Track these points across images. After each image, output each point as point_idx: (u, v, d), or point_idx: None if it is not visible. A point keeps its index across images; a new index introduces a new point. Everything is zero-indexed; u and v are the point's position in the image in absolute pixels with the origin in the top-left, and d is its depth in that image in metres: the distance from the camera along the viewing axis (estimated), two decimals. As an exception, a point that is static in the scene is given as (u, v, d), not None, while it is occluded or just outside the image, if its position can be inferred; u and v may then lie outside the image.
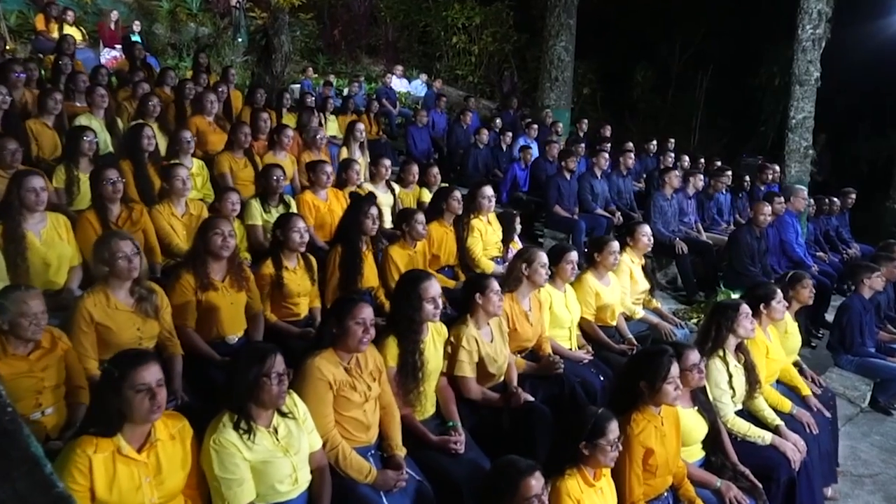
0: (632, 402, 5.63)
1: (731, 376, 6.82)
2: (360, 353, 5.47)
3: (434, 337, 6.28)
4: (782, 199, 12.82)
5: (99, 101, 10.74)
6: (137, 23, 20.05)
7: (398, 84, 23.02)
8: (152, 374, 4.27)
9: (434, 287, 6.03)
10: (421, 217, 8.54)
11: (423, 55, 29.13)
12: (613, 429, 4.98)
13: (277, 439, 4.69)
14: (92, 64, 15.35)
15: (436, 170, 11.65)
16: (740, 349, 7.01)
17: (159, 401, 4.25)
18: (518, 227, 10.23)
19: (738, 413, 6.92)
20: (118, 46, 18.73)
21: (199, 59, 16.63)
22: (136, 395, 4.18)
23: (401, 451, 5.63)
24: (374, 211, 8.04)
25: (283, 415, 4.81)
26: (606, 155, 14.34)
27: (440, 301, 6.10)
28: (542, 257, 7.35)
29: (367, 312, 5.36)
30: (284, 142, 10.91)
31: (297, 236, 7.30)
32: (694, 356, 6.08)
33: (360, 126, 12.77)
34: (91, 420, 4.33)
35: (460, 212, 9.38)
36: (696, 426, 6.19)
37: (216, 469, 4.46)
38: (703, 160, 17.47)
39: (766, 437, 6.69)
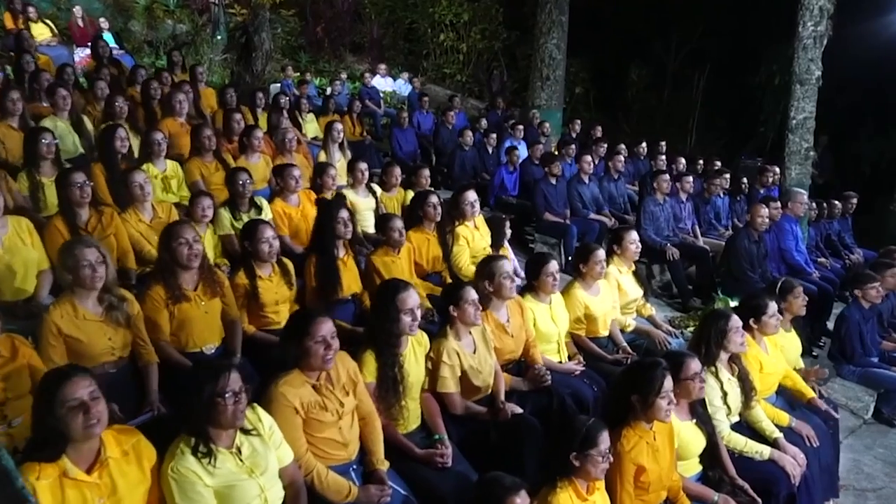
0: (623, 416, 5.61)
1: (725, 393, 6.79)
2: (327, 370, 5.40)
3: (414, 348, 6.25)
4: (778, 203, 12.78)
5: (61, 102, 10.61)
6: (103, 20, 19.99)
7: (383, 83, 22.88)
8: (82, 387, 4.17)
9: (412, 298, 5.97)
10: (397, 224, 8.45)
11: (409, 53, 29.05)
12: (605, 439, 4.95)
13: (241, 460, 4.60)
14: (66, 62, 15.29)
15: (426, 172, 11.52)
16: (733, 360, 6.97)
17: (94, 414, 4.15)
18: (508, 232, 10.11)
19: (737, 425, 6.91)
20: (91, 45, 18.70)
21: (172, 57, 16.54)
22: (68, 413, 4.09)
23: (383, 466, 5.60)
24: (344, 214, 7.96)
25: (246, 432, 4.72)
26: (589, 158, 14.33)
27: (419, 312, 6.04)
28: (503, 269, 7.16)
29: (326, 328, 5.26)
30: (255, 144, 10.81)
31: (265, 247, 7.23)
32: (695, 365, 6.07)
33: (338, 126, 12.69)
34: (33, 445, 4.24)
35: (439, 218, 9.26)
36: (693, 439, 6.18)
37: (177, 499, 4.38)
38: (701, 162, 17.47)
39: (764, 452, 6.66)
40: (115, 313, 5.95)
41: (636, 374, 5.68)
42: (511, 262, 7.48)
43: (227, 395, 4.44)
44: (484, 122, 18.69)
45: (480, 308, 6.57)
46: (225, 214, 8.87)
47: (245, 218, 8.69)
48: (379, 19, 28.33)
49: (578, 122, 19.49)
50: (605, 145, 16.52)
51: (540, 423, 6.46)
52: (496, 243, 9.86)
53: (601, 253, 8.37)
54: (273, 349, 6.88)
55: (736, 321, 6.92)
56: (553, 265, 7.72)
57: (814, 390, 8.24)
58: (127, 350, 6.09)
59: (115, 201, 8.57)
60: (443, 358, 6.34)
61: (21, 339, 5.48)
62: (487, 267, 7.22)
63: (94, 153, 10.06)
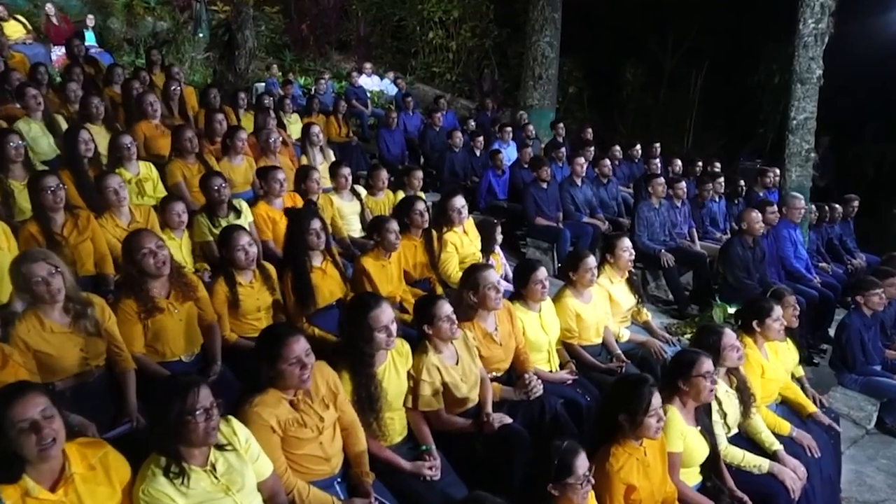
0: (611, 434, 5.55)
1: (724, 413, 6.77)
2: (304, 388, 5.33)
3: (395, 359, 6.20)
4: (775, 207, 12.74)
5: (32, 103, 10.54)
6: (90, 17, 19.99)
7: (370, 83, 22.85)
8: (33, 406, 4.05)
9: (385, 314, 5.89)
10: (394, 226, 8.36)
11: (397, 51, 28.97)
12: (581, 463, 4.80)
13: (216, 478, 4.52)
14: (43, 61, 15.27)
15: (419, 173, 11.56)
16: (731, 371, 6.95)
17: (46, 434, 4.03)
18: (499, 237, 10.08)
19: (735, 436, 6.91)
20: (66, 43, 18.67)
21: (151, 56, 16.51)
22: (20, 435, 3.99)
23: (368, 478, 5.57)
24: (315, 225, 7.82)
25: (220, 448, 4.64)
26: (583, 160, 14.31)
27: (394, 328, 5.96)
28: (488, 279, 7.05)
29: (298, 348, 5.18)
30: (238, 145, 10.75)
31: (241, 255, 7.17)
32: (708, 363, 6.07)
33: (316, 129, 12.63)
34: None
35: (426, 225, 9.21)
36: (698, 446, 6.18)
37: None
38: (700, 164, 17.46)
39: (762, 465, 6.65)
40: (83, 322, 5.86)
41: (623, 392, 5.61)
42: (496, 272, 7.35)
43: (197, 413, 4.35)
44: (472, 124, 18.65)
45: (456, 322, 6.44)
46: (202, 221, 8.80)
47: (224, 223, 8.59)
48: (366, 16, 28.22)
49: (562, 125, 19.20)
50: (592, 148, 16.31)
51: (531, 434, 6.41)
52: (486, 248, 9.81)
53: (591, 260, 8.28)
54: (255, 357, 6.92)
55: (729, 337, 6.87)
56: (542, 272, 7.66)
57: (815, 399, 8.24)
58: (102, 359, 6.02)
59: (88, 206, 8.43)
60: (422, 376, 6.27)
61: (9, 349, 5.44)
62: (472, 277, 7.13)
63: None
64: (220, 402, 4.59)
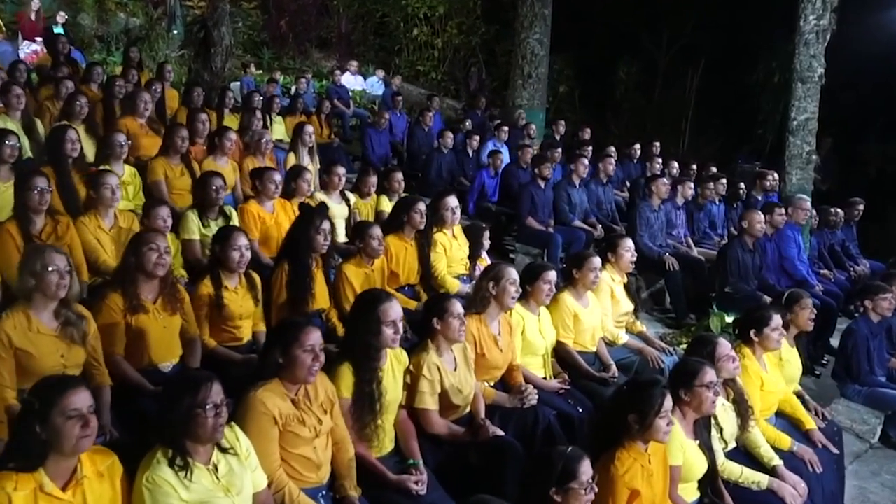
0: (617, 437, 5.57)
1: (721, 428, 6.74)
2: (309, 384, 5.42)
3: (393, 364, 6.25)
4: (783, 209, 12.67)
5: (14, 101, 10.57)
6: (62, 14, 19.98)
7: (352, 82, 22.91)
8: (83, 399, 4.21)
9: (395, 309, 5.98)
10: (377, 232, 8.40)
11: (379, 49, 28.93)
12: (586, 470, 4.80)
13: (217, 477, 4.62)
14: (11, 58, 15.27)
15: (400, 175, 11.46)
16: (727, 382, 6.94)
17: (92, 428, 4.18)
18: (487, 242, 10.12)
19: (734, 451, 6.93)
20: (39, 39, 18.63)
21: (129, 53, 16.51)
22: (66, 422, 4.11)
23: (355, 492, 5.62)
24: (326, 225, 7.94)
25: (223, 450, 4.74)
26: (586, 161, 14.26)
27: (401, 325, 6.06)
28: (511, 274, 7.27)
29: (315, 337, 5.31)
30: (226, 146, 10.77)
31: (236, 255, 7.18)
32: (712, 374, 6.11)
33: (309, 129, 12.65)
34: (9, 454, 4.23)
35: (423, 226, 9.20)
36: (696, 461, 6.19)
37: None
38: (695, 166, 17.44)
39: (761, 482, 6.65)
40: (70, 329, 5.88)
41: (633, 393, 5.66)
42: (516, 271, 7.51)
43: (207, 407, 4.48)
44: (468, 123, 18.62)
45: (465, 324, 6.57)
46: (193, 218, 8.85)
47: (213, 226, 8.68)
48: (347, 13, 28.19)
49: (562, 122, 19.36)
50: (590, 148, 16.32)
51: (522, 446, 6.45)
52: (474, 253, 9.89)
53: (597, 260, 8.43)
54: (233, 367, 6.97)
55: (724, 347, 6.88)
56: (552, 273, 7.82)
57: (817, 412, 8.27)
58: (78, 370, 5.99)
59: (65, 208, 8.47)
60: (423, 372, 6.35)
61: None
62: (496, 269, 7.37)
63: (45, 157, 9.99)
64: (230, 401, 4.74)
